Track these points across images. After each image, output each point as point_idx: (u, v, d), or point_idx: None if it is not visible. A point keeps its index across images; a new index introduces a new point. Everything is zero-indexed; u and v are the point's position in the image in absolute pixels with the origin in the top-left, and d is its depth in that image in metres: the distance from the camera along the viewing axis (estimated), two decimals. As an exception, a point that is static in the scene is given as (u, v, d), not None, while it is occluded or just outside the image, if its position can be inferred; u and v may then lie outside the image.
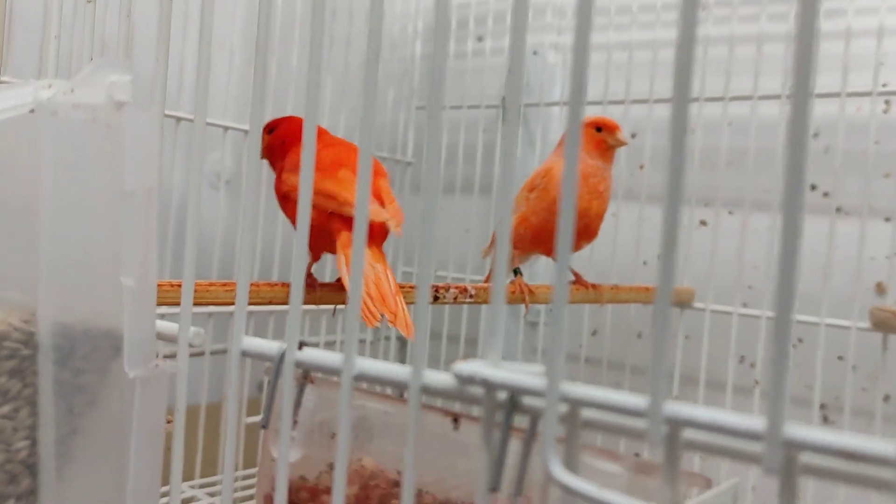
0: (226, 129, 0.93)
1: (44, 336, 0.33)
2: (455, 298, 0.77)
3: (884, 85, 0.92)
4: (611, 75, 1.05)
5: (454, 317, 1.16)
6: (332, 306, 0.74)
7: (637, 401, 0.25)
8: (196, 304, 0.60)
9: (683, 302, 0.99)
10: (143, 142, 0.35)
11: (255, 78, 0.36)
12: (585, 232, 0.84)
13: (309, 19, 0.31)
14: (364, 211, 0.32)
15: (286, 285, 0.66)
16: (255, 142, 0.36)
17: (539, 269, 1.13)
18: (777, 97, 0.95)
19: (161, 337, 0.38)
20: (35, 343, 0.33)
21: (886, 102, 0.95)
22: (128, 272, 0.35)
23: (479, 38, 1.22)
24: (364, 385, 0.44)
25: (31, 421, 0.33)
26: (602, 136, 0.84)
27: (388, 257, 1.15)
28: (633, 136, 1.08)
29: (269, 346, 0.35)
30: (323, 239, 0.65)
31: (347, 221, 0.63)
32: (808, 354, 0.96)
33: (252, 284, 0.65)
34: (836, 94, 0.91)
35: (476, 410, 0.55)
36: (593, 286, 0.88)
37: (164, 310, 0.64)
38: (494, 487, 0.28)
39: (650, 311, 1.03)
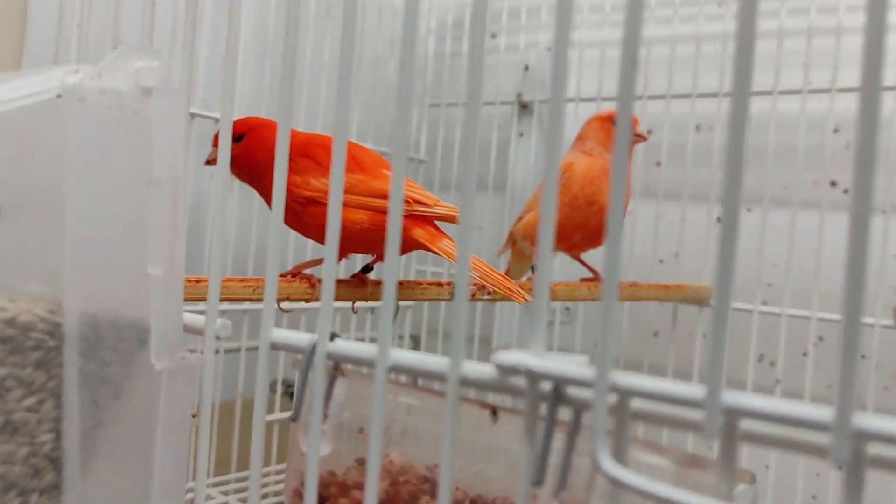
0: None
1: (70, 327, 0.32)
2: (473, 295, 0.76)
3: (907, 80, 0.91)
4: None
5: (468, 316, 1.15)
6: (355, 303, 0.74)
7: (692, 390, 0.24)
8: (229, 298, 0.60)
9: (702, 300, 0.97)
10: (170, 129, 0.34)
11: (283, 76, 0.35)
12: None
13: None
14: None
15: (306, 279, 0.66)
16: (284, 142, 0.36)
17: (553, 268, 1.12)
18: (798, 92, 0.93)
19: (187, 329, 0.37)
20: (61, 334, 0.32)
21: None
22: (154, 262, 0.34)
23: (493, 35, 1.21)
24: (391, 376, 0.43)
25: (55, 413, 0.32)
26: None
27: (402, 257, 1.15)
28: (650, 132, 1.07)
29: (300, 337, 0.34)
30: (377, 239, 0.65)
31: (413, 218, 0.65)
32: (830, 353, 0.95)
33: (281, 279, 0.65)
34: (857, 89, 0.90)
35: (505, 402, 0.54)
36: (612, 283, 0.87)
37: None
38: (539, 481, 0.27)
39: (667, 310, 1.02)
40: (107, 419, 0.33)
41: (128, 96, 0.33)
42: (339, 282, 0.70)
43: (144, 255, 0.34)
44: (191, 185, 0.91)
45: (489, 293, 0.76)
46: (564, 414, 0.28)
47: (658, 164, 1.05)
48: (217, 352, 0.89)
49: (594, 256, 0.92)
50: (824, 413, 0.22)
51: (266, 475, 0.94)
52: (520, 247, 0.87)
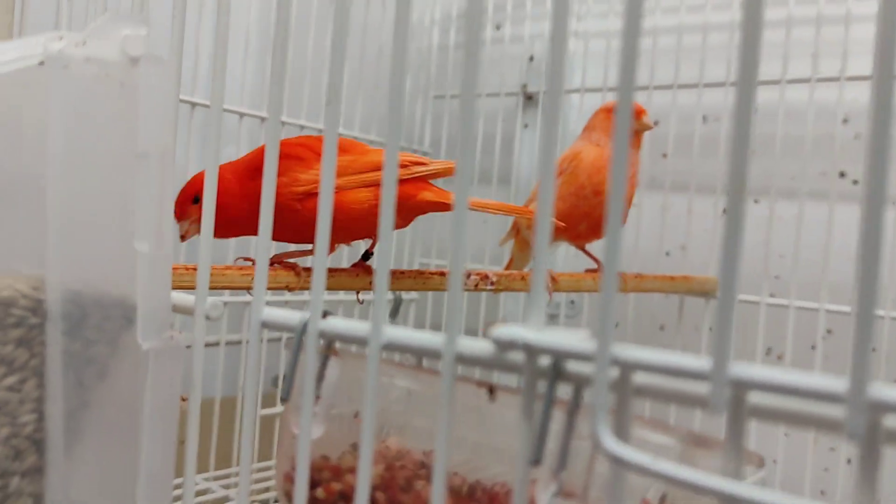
0: (241, 115, 0.91)
1: (53, 304, 0.31)
2: (476, 285, 0.75)
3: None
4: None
5: (472, 308, 1.13)
6: (359, 293, 0.73)
7: (698, 362, 0.23)
8: (211, 288, 0.59)
9: (709, 292, 0.96)
10: (159, 101, 0.33)
11: (273, 65, 0.34)
12: None
13: (325, 7, 0.29)
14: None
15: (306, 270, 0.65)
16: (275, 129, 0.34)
17: (557, 259, 1.10)
18: (806, 81, 0.92)
19: (176, 309, 0.36)
20: (43, 311, 0.31)
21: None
22: (142, 238, 0.33)
23: (497, 27, 1.20)
24: (389, 358, 0.42)
25: (37, 393, 0.31)
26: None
27: (405, 249, 1.14)
28: (656, 123, 1.06)
29: (291, 315, 0.33)
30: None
31: (415, 183, 0.66)
32: (838, 346, 0.93)
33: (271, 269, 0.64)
34: (869, 78, 0.88)
35: (501, 380, 0.52)
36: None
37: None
38: (537, 460, 0.26)
39: (673, 303, 1.01)
40: (92, 400, 0.32)
41: (114, 66, 0.32)
42: (341, 271, 0.69)
43: (131, 231, 0.33)
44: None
45: (492, 283, 0.75)
46: (564, 393, 0.27)
47: (664, 155, 1.03)
48: (218, 344, 0.88)
49: (599, 248, 0.90)
50: (838, 384, 0.21)
51: (266, 469, 0.93)
52: (524, 236, 0.86)
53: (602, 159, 0.80)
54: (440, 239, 1.16)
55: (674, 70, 1.00)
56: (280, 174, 0.64)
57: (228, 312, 0.89)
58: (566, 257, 1.10)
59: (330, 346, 0.34)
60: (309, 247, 0.68)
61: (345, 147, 0.67)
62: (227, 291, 0.86)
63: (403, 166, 0.65)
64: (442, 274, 0.73)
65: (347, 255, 1.01)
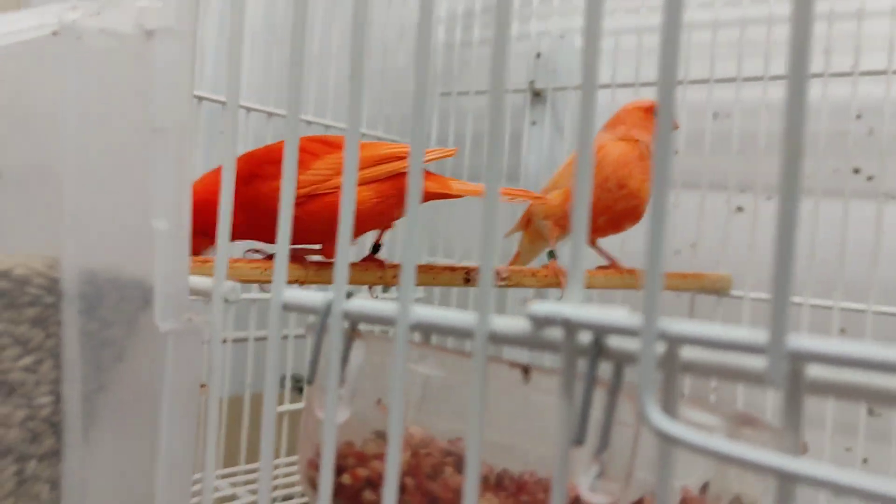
0: (248, 110, 0.90)
1: (69, 283, 0.30)
2: (488, 281, 0.73)
3: (932, 62, 0.88)
4: (643, 57, 1.02)
5: (477, 304, 1.12)
6: (372, 287, 0.72)
7: (753, 334, 0.22)
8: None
9: (721, 290, 0.95)
10: (174, 74, 0.32)
11: (291, 64, 0.33)
12: (634, 213, 0.81)
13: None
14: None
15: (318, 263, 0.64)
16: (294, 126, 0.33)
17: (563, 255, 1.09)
18: (819, 76, 0.91)
19: (193, 292, 0.34)
20: (59, 290, 0.30)
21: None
22: (159, 215, 0.31)
23: (504, 25, 1.19)
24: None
25: (54, 375, 0.30)
26: None
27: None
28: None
29: (314, 296, 0.32)
30: (386, 210, 0.64)
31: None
32: (852, 344, 0.92)
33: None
34: (882, 73, 0.87)
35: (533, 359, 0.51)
36: (629, 271, 0.85)
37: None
38: (580, 441, 0.25)
39: (684, 301, 1.00)
40: (109, 382, 0.31)
41: (129, 38, 0.31)
42: (351, 265, 0.68)
43: (148, 208, 0.31)
44: (201, 170, 0.89)
45: (503, 279, 0.74)
46: (601, 371, 0.26)
47: (675, 152, 1.02)
48: (224, 341, 0.87)
49: (609, 243, 0.89)
50: (906, 352, 0.20)
51: (275, 467, 0.92)
52: (537, 226, 0.84)
53: (628, 154, 0.80)
54: (446, 237, 1.15)
55: (684, 67, 0.99)
56: (277, 177, 0.62)
57: (234, 309, 0.88)
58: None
59: (354, 328, 0.32)
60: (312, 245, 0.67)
61: (331, 143, 0.65)
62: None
63: (401, 158, 0.64)
64: (452, 269, 0.72)
65: (354, 251, 0.99)
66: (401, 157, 0.64)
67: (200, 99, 0.83)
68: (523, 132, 1.14)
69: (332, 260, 0.68)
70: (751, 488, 0.26)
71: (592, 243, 0.86)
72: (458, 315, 0.29)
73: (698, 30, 1.00)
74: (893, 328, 0.86)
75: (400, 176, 0.64)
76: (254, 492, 0.86)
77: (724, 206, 0.98)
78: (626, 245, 0.95)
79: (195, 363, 0.33)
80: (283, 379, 1.07)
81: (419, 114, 0.31)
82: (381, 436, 0.36)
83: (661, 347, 0.24)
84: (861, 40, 0.88)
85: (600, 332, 0.25)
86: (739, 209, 1.00)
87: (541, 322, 0.26)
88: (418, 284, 0.75)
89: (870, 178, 0.94)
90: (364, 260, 0.68)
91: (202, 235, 0.54)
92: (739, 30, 0.96)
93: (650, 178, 0.80)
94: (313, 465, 0.33)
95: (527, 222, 0.86)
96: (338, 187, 0.62)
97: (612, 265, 0.85)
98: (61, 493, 0.30)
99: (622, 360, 0.25)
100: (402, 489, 0.32)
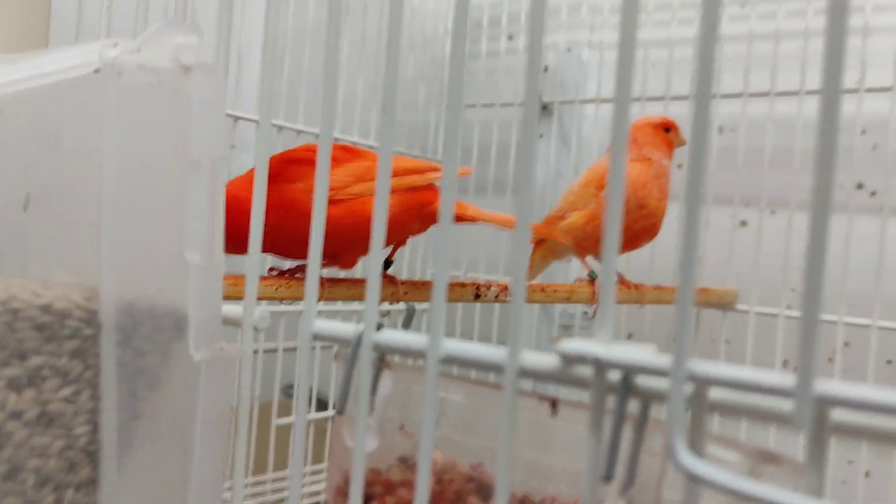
0: (280, 128, 0.90)
1: (107, 314, 0.31)
2: (497, 296, 0.74)
3: (936, 80, 0.89)
4: (648, 72, 1.03)
5: (485, 318, 1.13)
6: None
7: (780, 378, 0.23)
8: (235, 297, 0.58)
9: (727, 304, 0.96)
10: (210, 109, 0.33)
11: (325, 76, 0.34)
12: (651, 230, 0.82)
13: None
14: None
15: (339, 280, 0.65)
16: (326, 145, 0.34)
17: (572, 270, 1.10)
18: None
19: (224, 321, 0.35)
20: (97, 322, 0.31)
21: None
22: (193, 247, 0.32)
23: (510, 37, 1.20)
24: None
25: (92, 405, 0.31)
26: (670, 137, 0.84)
27: (417, 260, 1.13)
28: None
29: (344, 328, 0.33)
30: (406, 221, 0.65)
31: (434, 189, 0.66)
32: (855, 358, 0.93)
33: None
34: (888, 89, 0.88)
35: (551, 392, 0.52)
36: (636, 286, 0.86)
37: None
38: (608, 477, 0.25)
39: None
40: (144, 411, 0.32)
41: (167, 73, 0.32)
42: (356, 282, 0.68)
43: (182, 240, 0.32)
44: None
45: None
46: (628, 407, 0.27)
47: (680, 166, 1.03)
48: (256, 352, 0.88)
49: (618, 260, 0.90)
50: (931, 401, 0.21)
51: (282, 479, 0.93)
52: (552, 245, 0.85)
53: (645, 174, 0.81)
54: (454, 251, 1.16)
55: (689, 81, 1.00)
56: (296, 180, 0.63)
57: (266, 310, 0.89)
58: (581, 269, 1.09)
59: (383, 358, 0.33)
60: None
61: (358, 153, 0.66)
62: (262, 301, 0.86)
63: (419, 171, 0.65)
64: (462, 285, 0.73)
65: (363, 267, 1.00)
66: (418, 171, 0.65)
67: (236, 119, 0.83)
68: (530, 144, 1.15)
69: (346, 270, 0.69)
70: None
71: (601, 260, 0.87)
72: (488, 349, 0.29)
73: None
74: (893, 344, 0.87)
75: (416, 191, 0.64)
76: (280, 500, 0.86)
77: (728, 221, 0.99)
78: (631, 261, 0.96)
79: (226, 390, 0.34)
80: (288, 388, 1.08)
81: (453, 138, 0.31)
82: (404, 461, 0.36)
83: (689, 388, 0.25)
84: (866, 57, 0.89)
85: (630, 371, 0.26)
86: (744, 223, 1.01)
87: (571, 359, 0.27)
88: (425, 301, 0.76)
89: (873, 194, 0.95)
90: (356, 281, 0.69)
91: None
92: (747, 45, 0.97)
93: (665, 195, 0.81)
94: (341, 493, 0.34)
95: (540, 240, 0.87)
96: (356, 195, 0.62)
97: (620, 280, 0.86)
98: (96, 519, 0.31)
99: (650, 398, 0.26)
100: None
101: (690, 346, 0.24)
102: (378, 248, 0.32)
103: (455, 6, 0.31)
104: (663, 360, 0.25)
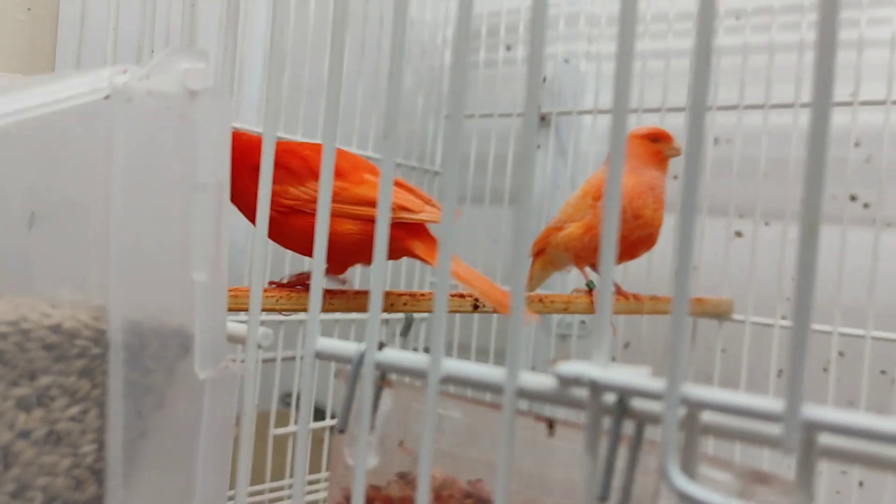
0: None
1: (114, 334, 0.31)
2: (495, 309, 0.75)
3: (929, 94, 0.90)
4: (645, 84, 1.04)
5: (483, 328, 1.14)
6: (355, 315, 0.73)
7: (769, 403, 0.24)
8: (237, 309, 0.59)
9: (722, 314, 0.97)
10: (216, 132, 0.34)
11: (328, 88, 0.34)
12: (648, 240, 0.83)
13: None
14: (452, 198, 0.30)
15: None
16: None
17: (570, 280, 1.11)
18: (819, 106, 0.93)
19: (229, 338, 0.36)
20: (105, 341, 0.31)
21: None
22: (198, 267, 0.33)
23: (508, 47, 1.21)
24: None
25: (98, 423, 0.31)
26: (659, 147, 0.84)
27: (416, 272, 1.14)
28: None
29: (346, 346, 0.33)
30: (368, 249, 0.63)
31: (405, 227, 0.63)
32: (850, 369, 0.94)
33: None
34: (881, 103, 0.89)
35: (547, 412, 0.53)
36: (634, 296, 0.87)
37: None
38: (604, 497, 0.26)
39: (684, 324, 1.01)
40: (149, 429, 0.32)
41: (174, 98, 0.32)
42: (357, 293, 0.69)
43: (188, 261, 0.33)
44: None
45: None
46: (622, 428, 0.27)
47: (675, 177, 1.04)
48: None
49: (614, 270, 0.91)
50: (915, 428, 0.21)
51: (279, 489, 0.93)
52: (551, 256, 0.86)
53: (640, 185, 0.82)
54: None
55: (685, 92, 1.01)
56: (278, 182, 0.62)
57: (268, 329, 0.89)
58: (578, 279, 1.10)
59: (384, 377, 0.34)
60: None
61: (341, 171, 0.64)
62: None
63: (398, 207, 0.63)
64: (461, 296, 0.74)
65: (360, 277, 1.01)
66: (393, 207, 0.62)
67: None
68: (527, 154, 1.16)
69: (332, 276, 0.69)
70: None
71: (596, 269, 0.88)
72: (488, 369, 0.30)
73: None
74: (887, 355, 0.88)
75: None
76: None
77: (723, 231, 1.00)
78: (629, 271, 0.97)
79: (230, 407, 0.34)
80: (286, 396, 1.08)
81: (453, 148, 0.32)
82: (403, 477, 0.37)
83: (682, 411, 0.25)
84: (860, 70, 0.90)
85: (625, 393, 0.26)
86: (739, 234, 1.02)
87: (568, 381, 0.27)
88: (422, 311, 0.76)
89: (866, 206, 0.96)
90: (358, 292, 0.69)
91: None
92: (742, 57, 0.98)
93: (660, 205, 0.82)
94: (343, 509, 0.35)
95: (539, 252, 0.88)
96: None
97: (618, 290, 0.87)
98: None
99: (644, 420, 0.27)
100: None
101: (685, 370, 0.25)
102: (381, 269, 0.33)
103: (457, 17, 0.31)
104: (657, 384, 0.25)
